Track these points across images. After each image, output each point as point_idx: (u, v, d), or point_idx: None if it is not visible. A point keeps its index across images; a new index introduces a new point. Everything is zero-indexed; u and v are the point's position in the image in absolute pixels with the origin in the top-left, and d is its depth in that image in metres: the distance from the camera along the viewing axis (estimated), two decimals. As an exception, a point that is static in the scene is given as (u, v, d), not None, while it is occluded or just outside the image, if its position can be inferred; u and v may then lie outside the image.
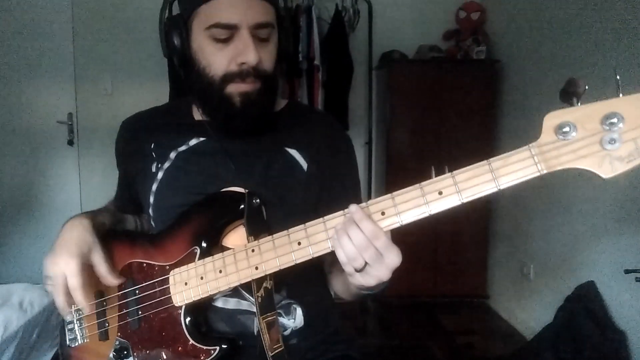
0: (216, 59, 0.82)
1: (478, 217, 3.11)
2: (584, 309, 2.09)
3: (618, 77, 0.56)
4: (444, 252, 3.14)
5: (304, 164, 0.90)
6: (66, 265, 0.81)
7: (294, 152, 0.90)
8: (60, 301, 0.83)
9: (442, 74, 3.06)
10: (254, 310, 0.81)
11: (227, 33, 0.80)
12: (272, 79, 0.86)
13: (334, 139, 0.97)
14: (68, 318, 0.95)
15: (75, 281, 0.81)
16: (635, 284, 1.80)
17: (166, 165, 0.90)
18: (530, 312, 2.69)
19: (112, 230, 0.97)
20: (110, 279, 0.85)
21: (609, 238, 2.07)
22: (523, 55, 2.83)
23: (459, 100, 3.05)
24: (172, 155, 0.91)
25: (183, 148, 0.91)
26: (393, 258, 0.66)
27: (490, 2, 3.21)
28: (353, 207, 0.66)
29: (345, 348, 0.96)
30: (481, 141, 2.99)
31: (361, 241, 0.65)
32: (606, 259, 2.08)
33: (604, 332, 1.98)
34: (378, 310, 3.12)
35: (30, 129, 3.32)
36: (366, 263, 0.66)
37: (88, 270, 0.84)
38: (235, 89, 0.82)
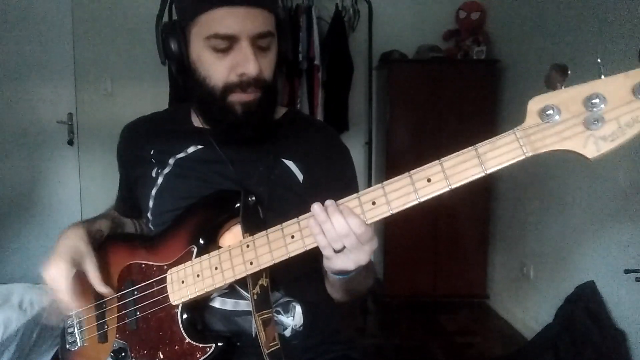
0: (216, 70, 0.81)
1: (478, 217, 3.11)
2: (584, 309, 2.08)
3: (599, 60, 0.56)
4: (444, 252, 3.14)
5: (299, 176, 0.90)
6: (56, 269, 0.83)
7: (289, 164, 0.90)
8: (62, 304, 0.85)
9: (442, 74, 3.06)
10: (251, 309, 0.81)
11: (226, 43, 0.79)
12: (272, 87, 0.86)
13: (330, 150, 0.96)
14: (68, 322, 0.95)
15: (62, 284, 0.82)
16: (635, 284, 1.79)
17: (166, 170, 0.91)
18: (530, 312, 2.69)
19: (111, 235, 0.97)
20: (101, 288, 0.87)
21: (608, 238, 2.07)
22: (523, 55, 2.82)
23: (458, 100, 3.04)
24: (171, 161, 0.91)
25: (181, 155, 0.91)
26: (373, 244, 0.69)
27: (490, 2, 3.21)
28: (341, 201, 0.68)
29: (345, 348, 0.96)
30: (481, 141, 2.98)
31: (342, 229, 0.66)
32: (606, 259, 2.07)
33: (604, 332, 1.97)
34: (378, 310, 3.12)
35: (30, 129, 3.32)
36: (344, 247, 0.68)
37: (82, 277, 0.86)
38: (236, 99, 0.82)
